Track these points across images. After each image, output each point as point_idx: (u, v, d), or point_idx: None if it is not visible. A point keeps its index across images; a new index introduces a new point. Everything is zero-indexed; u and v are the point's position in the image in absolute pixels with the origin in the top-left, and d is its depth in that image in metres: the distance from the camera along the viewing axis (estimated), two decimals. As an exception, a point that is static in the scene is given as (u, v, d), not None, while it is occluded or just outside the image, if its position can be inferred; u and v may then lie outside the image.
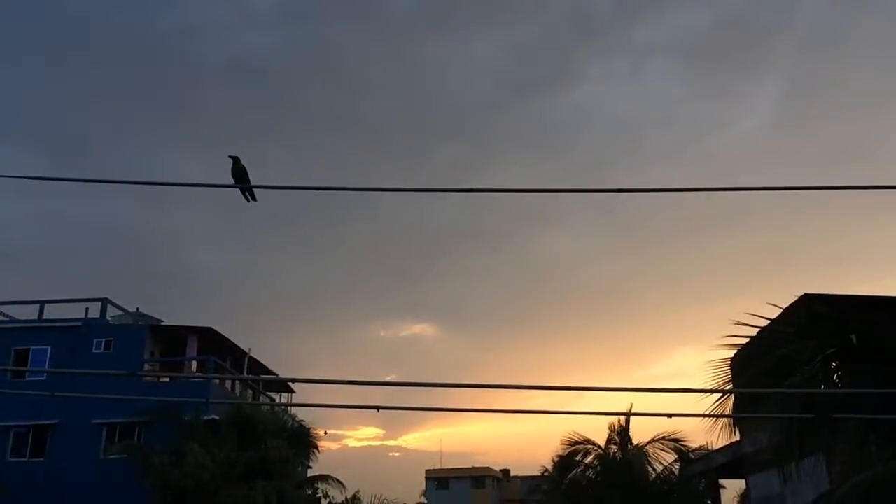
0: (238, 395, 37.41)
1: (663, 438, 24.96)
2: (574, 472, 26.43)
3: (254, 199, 6.26)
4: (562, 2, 66.31)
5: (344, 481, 30.23)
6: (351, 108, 69.25)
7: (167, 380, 33.61)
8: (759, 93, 64.03)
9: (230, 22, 63.36)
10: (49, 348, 32.54)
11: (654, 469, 25.07)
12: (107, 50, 64.28)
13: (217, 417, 26.86)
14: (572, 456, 26.23)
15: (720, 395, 11.48)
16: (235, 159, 6.12)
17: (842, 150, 60.22)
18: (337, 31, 66.42)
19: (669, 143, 70.45)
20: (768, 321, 11.75)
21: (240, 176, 6.12)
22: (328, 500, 30.25)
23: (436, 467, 69.75)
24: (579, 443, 25.95)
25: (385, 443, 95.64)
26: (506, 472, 73.06)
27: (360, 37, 67.08)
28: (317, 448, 30.05)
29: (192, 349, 33.34)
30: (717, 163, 64.88)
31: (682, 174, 61.78)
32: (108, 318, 34.46)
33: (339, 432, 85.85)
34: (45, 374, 31.15)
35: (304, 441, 28.79)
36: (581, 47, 69.45)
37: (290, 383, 35.36)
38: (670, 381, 77.91)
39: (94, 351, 32.14)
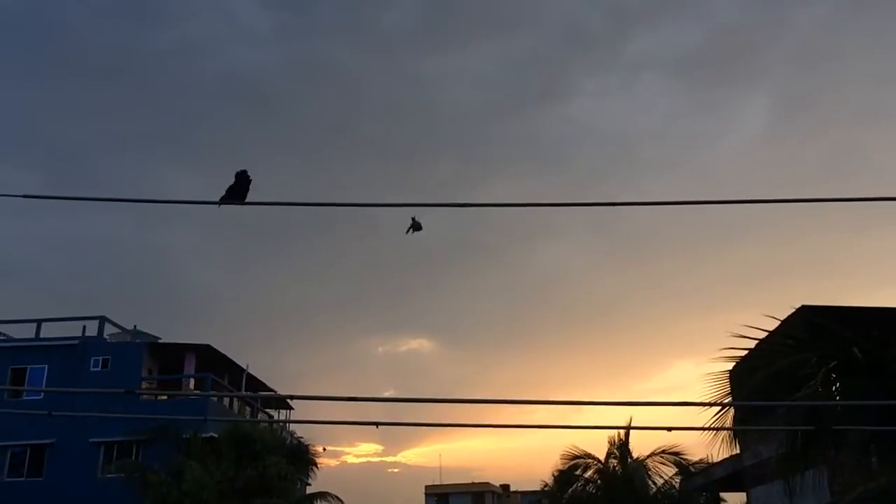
0: (236, 412, 37.24)
1: (663, 452, 24.88)
2: (574, 486, 26.29)
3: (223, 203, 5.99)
4: (555, 17, 66.75)
5: (343, 498, 30.04)
6: (348, 124, 69.46)
7: (165, 397, 33.43)
8: (751, 106, 64.39)
9: (229, 39, 63.67)
10: (46, 367, 32.36)
11: (654, 483, 24.97)
12: (105, 67, 64.56)
13: (215, 435, 26.70)
14: (572, 470, 26.11)
15: (720, 407, 11.43)
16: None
17: (836, 163, 60.52)
18: (334, 47, 66.78)
19: (664, 156, 70.72)
20: (767, 333, 11.73)
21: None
22: (327, 516, 30.06)
23: (435, 483, 69.41)
24: (579, 457, 25.84)
25: (384, 459, 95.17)
26: (506, 487, 72.67)
27: (358, 53, 67.44)
28: (315, 465, 29.89)
29: (189, 366, 33.22)
30: (712, 176, 65.10)
31: (677, 187, 61.98)
32: (105, 336, 34.35)
33: (338, 448, 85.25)
34: (43, 393, 30.97)
35: (302, 458, 28.64)
36: (575, 62, 69.90)
37: (288, 400, 35.29)
38: (669, 394, 77.83)
39: (91, 369, 31.97)
